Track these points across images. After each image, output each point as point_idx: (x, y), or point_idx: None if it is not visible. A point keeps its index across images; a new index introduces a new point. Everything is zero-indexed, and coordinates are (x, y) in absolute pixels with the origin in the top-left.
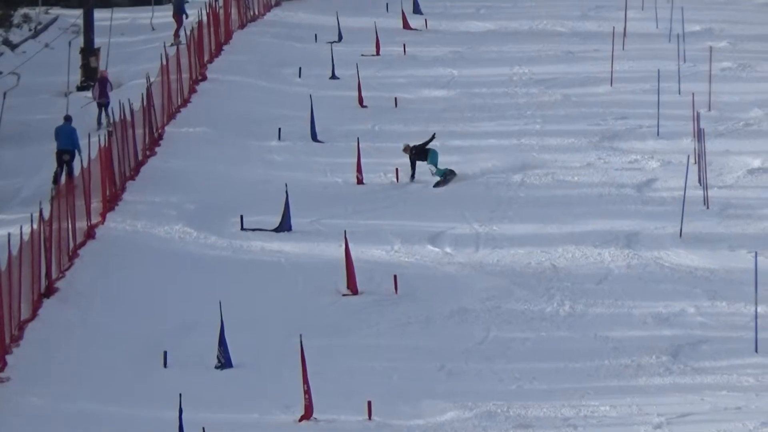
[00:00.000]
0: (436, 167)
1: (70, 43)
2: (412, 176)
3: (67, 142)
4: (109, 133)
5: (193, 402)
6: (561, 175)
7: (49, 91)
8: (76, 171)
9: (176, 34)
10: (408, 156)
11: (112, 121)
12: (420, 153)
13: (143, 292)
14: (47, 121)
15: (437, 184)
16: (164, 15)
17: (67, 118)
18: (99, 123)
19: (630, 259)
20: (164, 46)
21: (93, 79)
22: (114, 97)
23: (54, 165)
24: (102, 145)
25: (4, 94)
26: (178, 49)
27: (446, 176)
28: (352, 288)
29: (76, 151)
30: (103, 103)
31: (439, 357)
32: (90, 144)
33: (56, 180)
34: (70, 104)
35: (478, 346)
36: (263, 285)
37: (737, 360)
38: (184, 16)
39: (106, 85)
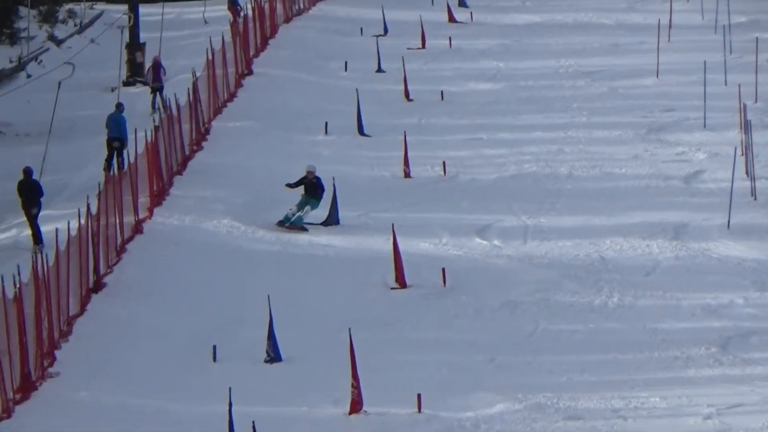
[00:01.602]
0: (301, 215)
1: (122, 30)
2: (289, 186)
3: (116, 131)
4: (156, 128)
5: (243, 396)
6: (608, 168)
7: (95, 87)
8: (125, 161)
9: (233, 25)
10: (304, 178)
11: (168, 104)
12: (313, 188)
13: (191, 287)
14: (94, 117)
15: (283, 223)
16: (214, 9)
17: (119, 107)
18: (153, 107)
19: (678, 251)
20: (210, 41)
21: (139, 74)
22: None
23: (105, 152)
24: (149, 140)
25: (59, 84)
26: (223, 44)
27: (289, 223)
28: (401, 281)
29: (125, 140)
30: (156, 88)
31: (489, 349)
32: (137, 139)
33: (108, 167)
34: (118, 99)
35: (527, 338)
36: (312, 279)
37: None
38: (238, 8)
39: (160, 70)
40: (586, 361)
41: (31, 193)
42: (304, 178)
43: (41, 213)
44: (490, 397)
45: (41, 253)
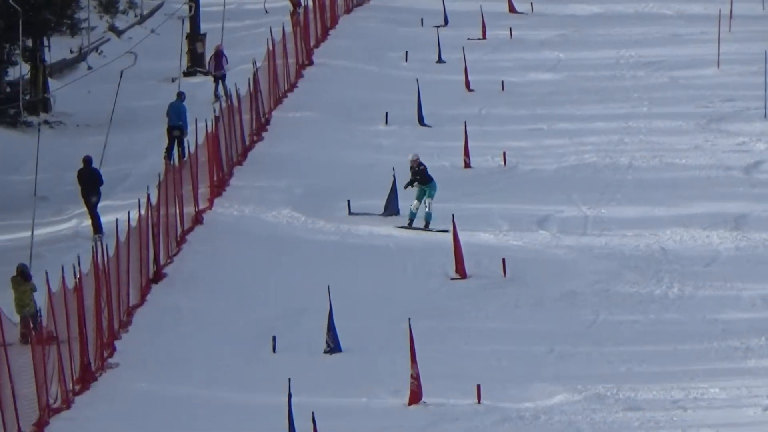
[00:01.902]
0: (429, 208)
1: (183, 20)
2: (406, 186)
3: (176, 119)
4: (216, 119)
5: (303, 387)
6: (669, 158)
7: (156, 77)
8: (185, 150)
9: (294, 16)
10: (412, 168)
11: (230, 93)
12: (423, 177)
13: (251, 277)
14: (154, 107)
15: (407, 226)
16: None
17: (180, 96)
18: (216, 95)
19: (738, 241)
20: (270, 32)
21: (199, 65)
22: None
23: (165, 141)
24: (209, 130)
25: (121, 73)
26: (284, 34)
27: (427, 225)
28: (461, 271)
29: (185, 129)
30: (219, 76)
31: (549, 340)
32: (197, 129)
33: (168, 156)
34: (179, 88)
35: (586, 329)
36: (371, 269)
37: None
38: None
39: (222, 59)
40: (645, 352)
41: (90, 182)
42: (411, 169)
43: (102, 203)
44: (549, 388)
45: (101, 242)
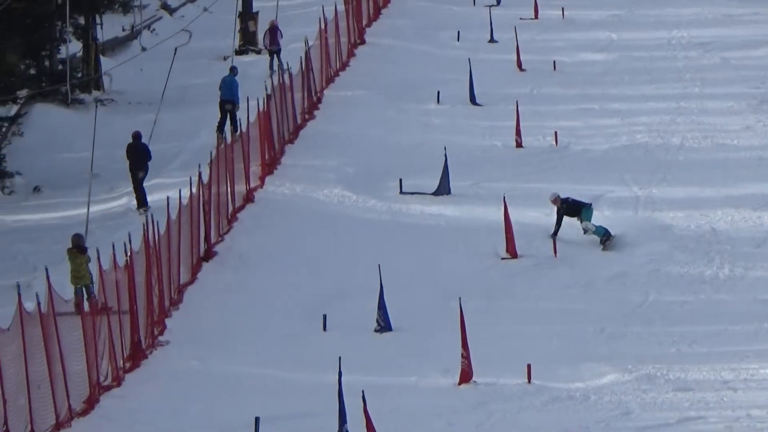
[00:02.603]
0: (593, 225)
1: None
2: (554, 233)
3: (228, 93)
4: (268, 97)
5: (353, 365)
6: (720, 139)
7: (208, 55)
8: (238, 124)
9: None
10: (556, 209)
11: (285, 67)
12: (571, 209)
13: (302, 256)
14: (206, 86)
15: (604, 245)
16: None
17: (232, 70)
18: (271, 69)
19: None
20: (323, 10)
21: (252, 43)
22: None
23: (218, 115)
24: (261, 108)
25: (175, 50)
26: (336, 13)
27: (608, 238)
28: (512, 251)
29: (237, 103)
30: (274, 51)
31: (599, 320)
32: (249, 108)
33: (220, 129)
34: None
35: (637, 309)
36: (422, 248)
37: None
38: None
39: (277, 33)
40: (696, 333)
41: (138, 157)
42: (558, 211)
43: (153, 180)
44: (600, 368)
45: (146, 215)
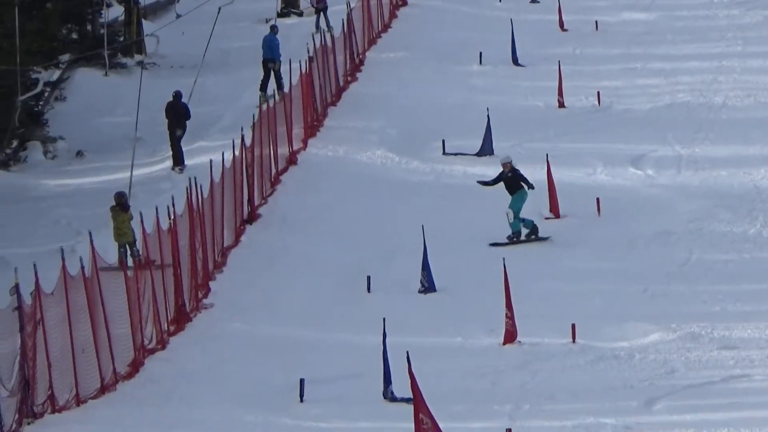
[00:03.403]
0: (515, 214)
1: None
2: (483, 183)
3: (269, 52)
4: (310, 59)
5: (397, 326)
6: (762, 97)
7: (250, 18)
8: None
9: None
10: (501, 170)
11: (331, 25)
12: (513, 182)
13: (345, 218)
14: (248, 49)
15: (510, 240)
16: None
17: (273, 29)
18: (317, 27)
19: None
20: None
21: (294, 5)
22: (313, 24)
23: (261, 74)
24: (304, 71)
25: (219, 10)
26: None
27: (529, 234)
28: (555, 211)
29: (278, 61)
30: (321, 8)
31: (642, 279)
32: (291, 70)
33: (263, 88)
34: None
35: (680, 268)
36: (465, 209)
37: None
38: None
39: None
40: (740, 291)
41: (177, 115)
42: (501, 173)
43: (196, 144)
44: (644, 327)
45: (181, 173)
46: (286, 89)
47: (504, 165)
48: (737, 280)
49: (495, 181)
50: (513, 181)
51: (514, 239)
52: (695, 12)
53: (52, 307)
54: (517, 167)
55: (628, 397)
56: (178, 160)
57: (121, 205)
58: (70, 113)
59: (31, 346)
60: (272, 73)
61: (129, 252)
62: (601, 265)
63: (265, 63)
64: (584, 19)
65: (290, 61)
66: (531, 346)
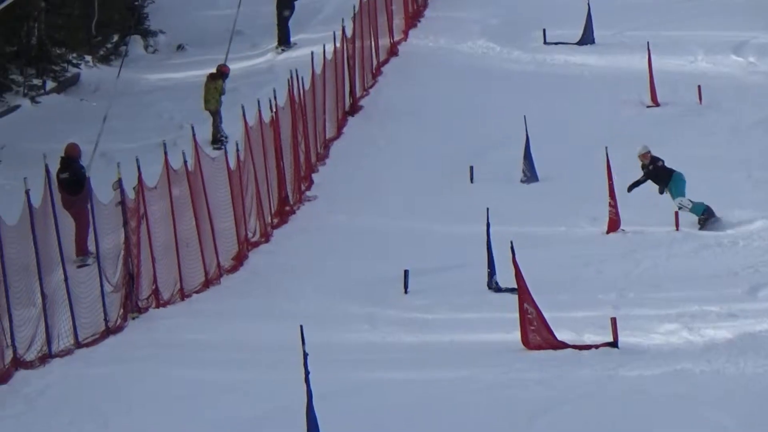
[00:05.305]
0: (689, 200)
1: None
2: (631, 187)
3: None
4: None
5: (500, 216)
6: None
7: None
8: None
9: None
10: (641, 165)
11: None
12: (658, 173)
13: (447, 108)
14: None
15: (702, 225)
16: None
17: None
18: None
19: None
20: None
21: None
22: None
23: None
24: None
25: None
26: None
27: (708, 216)
28: (655, 99)
29: None
30: None
31: (746, 166)
32: None
33: None
34: None
35: None
36: (567, 98)
37: None
38: None
39: None
40: None
41: None
42: (643, 169)
43: (298, 36)
44: (747, 214)
45: (283, 52)
46: None
47: (642, 156)
48: None
49: (639, 184)
50: (657, 174)
51: (706, 217)
52: None
53: (155, 202)
54: (655, 156)
55: (732, 284)
56: (284, 39)
57: (219, 71)
58: (170, 7)
59: (135, 241)
60: None
61: (211, 119)
62: (704, 152)
63: None
64: None
65: None
66: (635, 234)
